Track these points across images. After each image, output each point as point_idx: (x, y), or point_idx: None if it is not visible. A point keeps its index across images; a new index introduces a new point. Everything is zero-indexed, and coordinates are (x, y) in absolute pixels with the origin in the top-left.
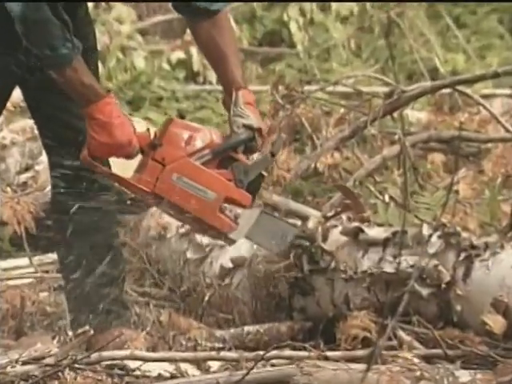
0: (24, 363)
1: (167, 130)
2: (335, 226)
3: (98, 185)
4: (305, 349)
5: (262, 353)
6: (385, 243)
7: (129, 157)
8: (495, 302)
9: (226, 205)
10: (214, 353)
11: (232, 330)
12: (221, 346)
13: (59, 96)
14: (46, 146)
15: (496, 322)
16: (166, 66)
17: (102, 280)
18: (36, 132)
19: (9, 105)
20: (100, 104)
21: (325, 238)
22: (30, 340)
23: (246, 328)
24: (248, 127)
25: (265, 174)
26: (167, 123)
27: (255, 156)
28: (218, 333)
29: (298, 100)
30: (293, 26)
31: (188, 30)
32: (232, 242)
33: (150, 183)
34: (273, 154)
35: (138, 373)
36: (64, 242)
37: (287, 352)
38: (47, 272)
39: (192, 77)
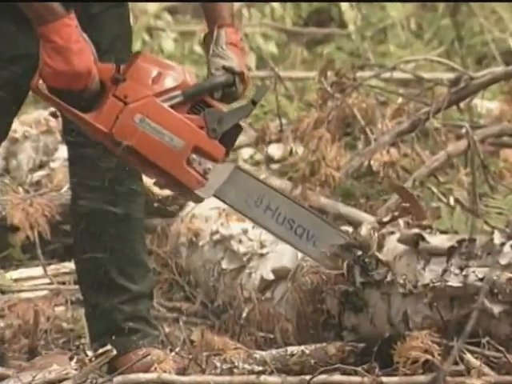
0: None
1: (134, 63)
2: (392, 233)
3: (125, 188)
4: (357, 373)
5: (307, 377)
6: (449, 253)
7: (86, 90)
8: None
9: (194, 156)
10: (253, 377)
11: (273, 351)
12: (261, 369)
13: None
14: (69, 142)
15: None
16: (198, 49)
17: (126, 296)
18: (52, 124)
19: None
20: (57, 24)
21: (380, 247)
22: (45, 361)
23: (290, 349)
24: (228, 70)
25: (243, 125)
26: (135, 57)
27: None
28: (258, 354)
29: (349, 88)
30: (343, 3)
31: None
32: (199, 199)
33: (108, 122)
34: (254, 103)
35: None
36: (83, 252)
37: (337, 377)
38: (64, 283)
39: None
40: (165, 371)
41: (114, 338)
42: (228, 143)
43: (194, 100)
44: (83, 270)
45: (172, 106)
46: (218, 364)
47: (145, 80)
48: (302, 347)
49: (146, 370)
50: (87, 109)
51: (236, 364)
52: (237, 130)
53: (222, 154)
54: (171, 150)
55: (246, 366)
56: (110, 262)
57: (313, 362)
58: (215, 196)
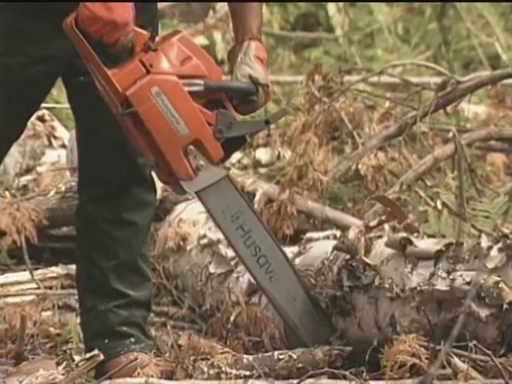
0: None
1: (170, 39)
2: (379, 237)
3: (136, 198)
4: (345, 377)
5: (295, 381)
6: (437, 257)
7: (117, 44)
8: None
9: (192, 148)
10: (240, 381)
11: (261, 355)
12: (248, 373)
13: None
14: (81, 147)
15: None
16: None
17: (123, 300)
18: (38, 129)
19: None
20: None
21: (367, 251)
22: (32, 365)
23: (277, 353)
24: (254, 79)
25: (248, 139)
26: (174, 33)
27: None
28: (245, 358)
29: (336, 92)
30: (331, 8)
31: (211, 13)
32: (181, 192)
33: (125, 83)
34: (267, 122)
35: None
36: (85, 255)
37: (324, 381)
38: (51, 288)
39: None
40: (151, 376)
41: (107, 341)
42: (228, 150)
43: (213, 95)
44: (83, 273)
45: (190, 93)
46: (205, 368)
47: (174, 58)
48: (290, 351)
49: (130, 374)
50: (109, 64)
51: (223, 368)
52: (241, 141)
53: (219, 157)
54: (174, 133)
55: (234, 370)
56: (110, 267)
57: (300, 365)
58: (196, 194)
